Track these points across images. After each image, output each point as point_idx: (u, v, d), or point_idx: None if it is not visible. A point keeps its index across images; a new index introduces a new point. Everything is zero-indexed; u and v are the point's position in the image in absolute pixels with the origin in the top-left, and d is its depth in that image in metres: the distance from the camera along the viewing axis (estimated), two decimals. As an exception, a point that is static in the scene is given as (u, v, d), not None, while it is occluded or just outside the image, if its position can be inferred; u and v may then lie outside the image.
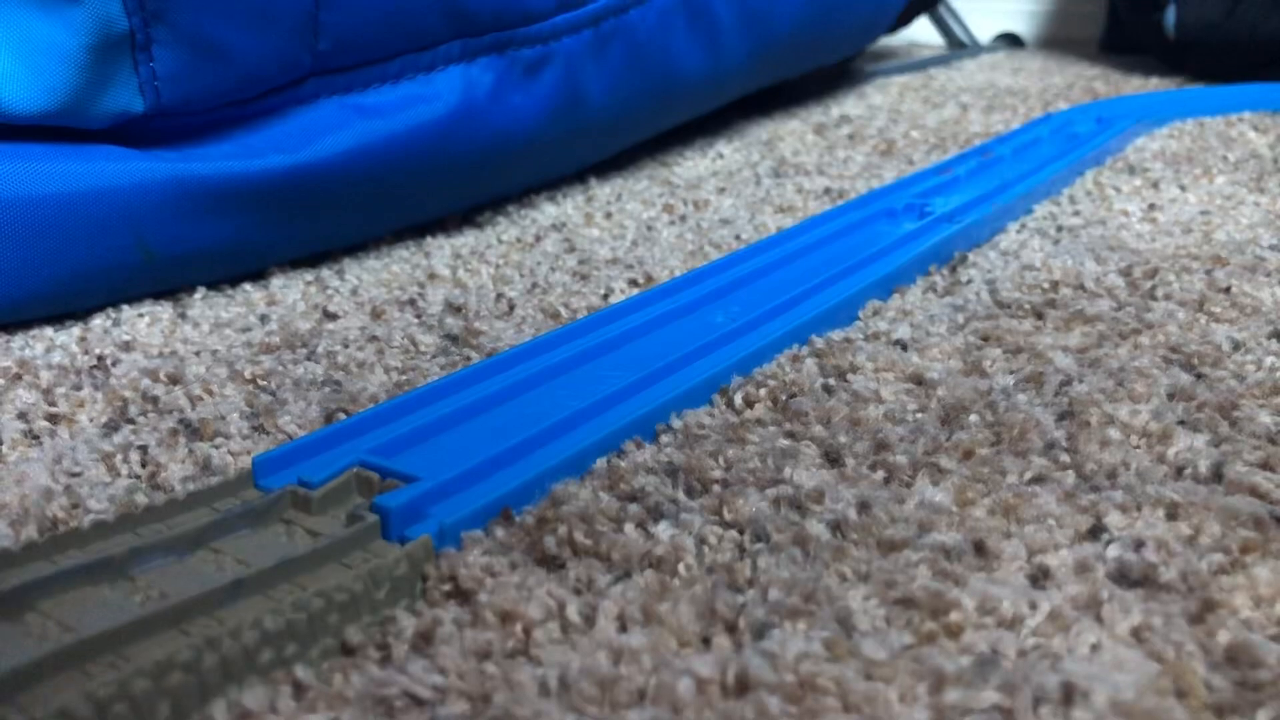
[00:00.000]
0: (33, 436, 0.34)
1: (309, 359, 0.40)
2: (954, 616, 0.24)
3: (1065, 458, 0.31)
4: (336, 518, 0.27)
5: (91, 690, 0.20)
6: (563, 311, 0.45)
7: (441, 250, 0.55)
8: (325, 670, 0.23)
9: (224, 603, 0.23)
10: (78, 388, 0.38)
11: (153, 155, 0.45)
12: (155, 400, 0.37)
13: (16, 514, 0.29)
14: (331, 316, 0.45)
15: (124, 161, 0.44)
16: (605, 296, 0.47)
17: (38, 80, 0.42)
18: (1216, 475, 0.30)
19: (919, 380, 0.36)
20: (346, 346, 0.41)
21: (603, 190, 0.67)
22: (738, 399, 0.35)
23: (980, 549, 0.26)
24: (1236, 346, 0.39)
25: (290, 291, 0.48)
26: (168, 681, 0.21)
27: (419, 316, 0.45)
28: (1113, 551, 0.26)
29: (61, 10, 0.41)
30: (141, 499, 0.30)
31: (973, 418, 0.33)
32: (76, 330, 0.43)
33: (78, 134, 0.44)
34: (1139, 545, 0.26)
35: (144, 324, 0.44)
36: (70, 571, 0.23)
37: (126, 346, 0.42)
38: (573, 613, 0.24)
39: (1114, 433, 0.32)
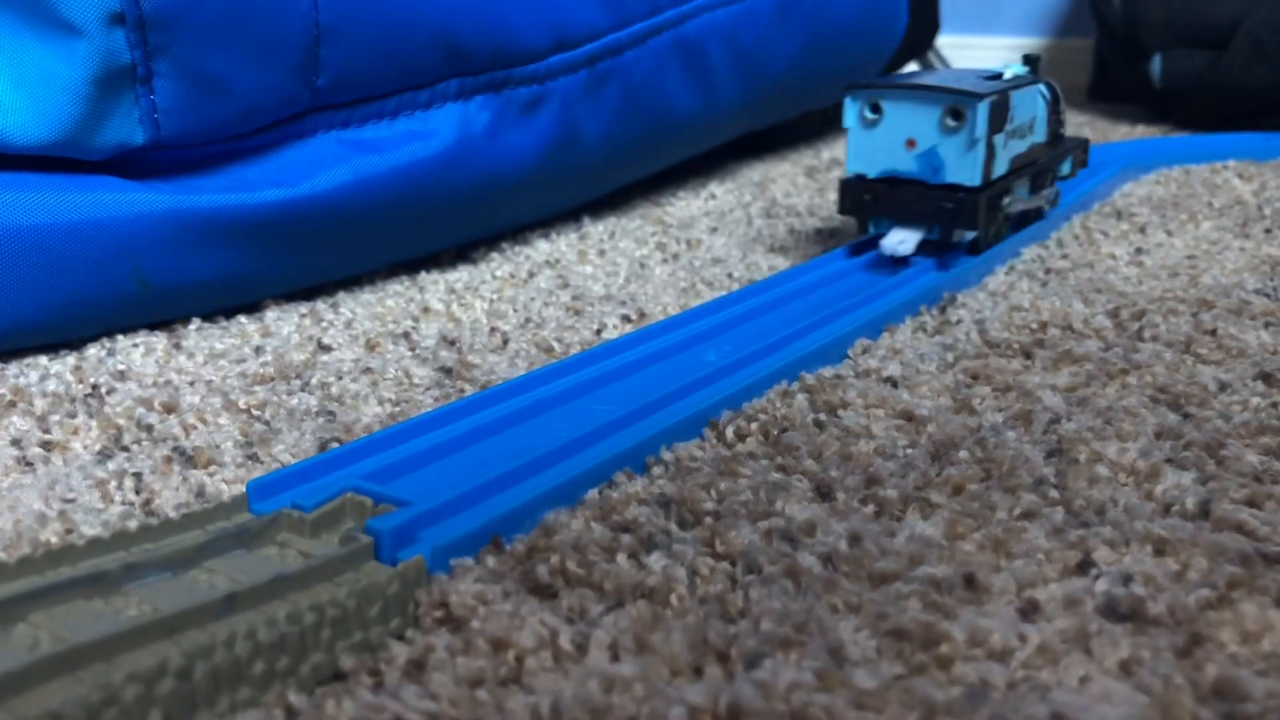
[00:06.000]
0: (26, 463, 0.34)
1: (303, 390, 0.40)
2: (944, 648, 0.24)
3: (1054, 494, 0.31)
4: (330, 540, 0.28)
5: (83, 695, 0.20)
6: (556, 346, 0.45)
7: (436, 285, 0.55)
8: (318, 696, 0.23)
9: (216, 616, 0.23)
10: (72, 415, 0.38)
11: (151, 187, 0.45)
12: (150, 428, 0.37)
13: (10, 539, 0.29)
14: (326, 349, 0.45)
15: (122, 193, 0.44)
16: (598, 332, 0.47)
17: (39, 111, 0.42)
18: (1204, 512, 0.30)
19: (909, 417, 0.37)
20: (340, 378, 0.42)
21: (596, 228, 0.67)
22: (729, 433, 0.35)
23: (970, 582, 0.26)
24: (1223, 387, 0.39)
25: (285, 324, 0.48)
26: (159, 689, 0.21)
27: (413, 349, 0.45)
28: (1101, 586, 0.26)
29: (64, 42, 0.42)
30: (135, 525, 0.30)
31: (962, 454, 0.34)
32: (71, 359, 0.44)
33: (77, 165, 0.45)
34: (1127, 580, 0.27)
35: (139, 354, 0.44)
36: (62, 585, 0.24)
37: (121, 376, 0.42)
38: (565, 641, 0.24)
39: (1102, 470, 0.32)
